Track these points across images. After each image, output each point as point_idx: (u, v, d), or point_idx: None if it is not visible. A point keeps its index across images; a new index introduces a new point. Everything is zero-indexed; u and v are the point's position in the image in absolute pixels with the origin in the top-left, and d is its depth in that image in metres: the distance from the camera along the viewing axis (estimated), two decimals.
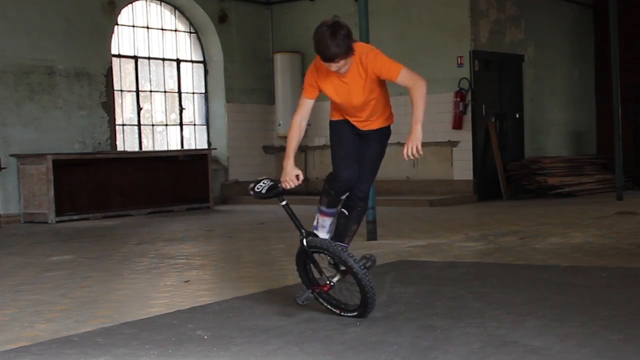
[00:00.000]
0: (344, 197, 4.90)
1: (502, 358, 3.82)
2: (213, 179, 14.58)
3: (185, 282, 6.36)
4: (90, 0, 13.36)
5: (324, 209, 4.93)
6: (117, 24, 14.01)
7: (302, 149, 15.55)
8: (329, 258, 4.83)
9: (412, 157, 4.39)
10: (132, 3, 14.33)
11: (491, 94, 14.60)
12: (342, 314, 4.76)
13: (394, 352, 3.98)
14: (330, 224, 4.97)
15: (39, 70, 12.62)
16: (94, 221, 12.16)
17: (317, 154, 15.64)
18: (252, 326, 4.63)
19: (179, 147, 15.27)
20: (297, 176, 4.67)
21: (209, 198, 14.26)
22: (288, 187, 4.70)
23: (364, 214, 4.98)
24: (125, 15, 14.27)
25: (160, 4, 15.01)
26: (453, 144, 14.31)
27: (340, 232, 4.93)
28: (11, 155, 12.19)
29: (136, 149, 14.43)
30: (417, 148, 4.41)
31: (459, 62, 14.17)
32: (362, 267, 4.57)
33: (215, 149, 15.25)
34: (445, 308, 4.97)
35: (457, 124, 14.10)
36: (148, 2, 14.79)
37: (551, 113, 16.43)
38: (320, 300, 4.85)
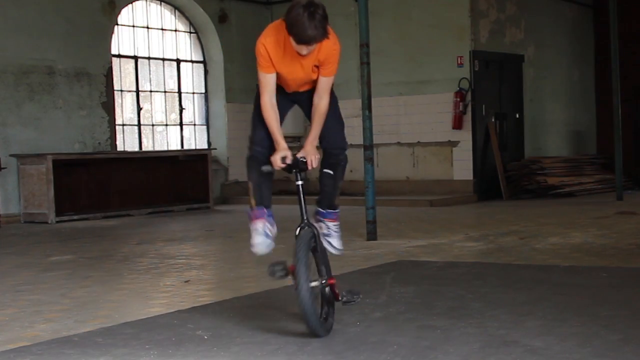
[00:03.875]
0: (266, 169, 4.46)
1: (502, 358, 3.82)
2: (213, 179, 14.58)
3: (185, 282, 6.36)
4: (90, 0, 13.36)
5: (252, 211, 4.50)
6: (117, 24, 14.01)
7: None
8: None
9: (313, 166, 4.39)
10: (132, 3, 14.33)
11: (491, 94, 14.60)
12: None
13: (394, 352, 3.98)
14: (267, 228, 4.49)
15: (39, 70, 12.62)
16: (94, 221, 12.16)
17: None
18: (252, 326, 4.63)
19: (179, 147, 15.27)
20: (284, 157, 4.34)
21: (209, 198, 14.26)
22: (279, 167, 4.38)
23: (345, 167, 4.71)
24: (125, 15, 14.27)
25: (160, 4, 15.01)
26: (453, 144, 14.31)
27: (328, 194, 4.66)
28: (11, 155, 12.19)
29: (136, 149, 14.43)
30: (314, 159, 4.40)
31: (459, 62, 14.17)
32: (309, 289, 4.12)
33: (215, 149, 15.25)
34: (445, 308, 4.97)
35: (457, 124, 14.10)
36: (148, 2, 14.79)
37: (551, 113, 16.44)
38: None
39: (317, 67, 4.43)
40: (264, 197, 4.53)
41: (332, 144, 4.62)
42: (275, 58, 4.36)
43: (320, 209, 4.72)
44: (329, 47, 4.36)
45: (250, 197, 4.55)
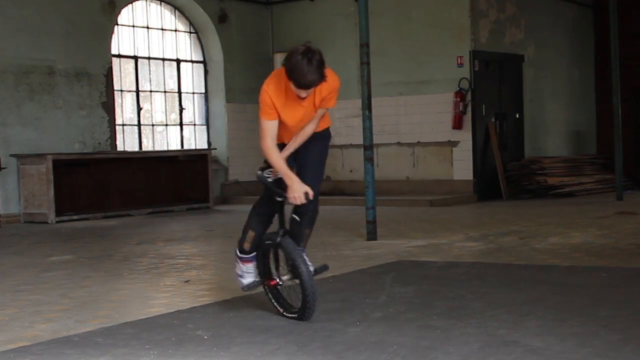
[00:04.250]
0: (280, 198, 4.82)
1: (502, 358, 3.82)
2: (213, 179, 14.58)
3: (185, 282, 6.36)
4: (90, 0, 13.36)
5: (245, 254, 5.01)
6: (117, 24, 14.01)
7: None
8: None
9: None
10: (132, 3, 14.33)
11: (491, 94, 14.60)
12: (285, 313, 4.82)
13: (394, 352, 3.98)
14: (255, 268, 5.00)
15: (39, 70, 12.62)
16: (94, 221, 12.16)
17: None
18: (252, 326, 4.63)
19: (179, 147, 15.27)
20: (306, 193, 4.60)
21: (209, 198, 14.25)
22: (298, 202, 4.64)
23: (315, 218, 4.92)
24: (125, 15, 14.27)
25: (160, 4, 15.01)
26: (453, 144, 14.31)
27: (295, 236, 4.84)
28: (11, 155, 12.19)
29: (136, 149, 14.43)
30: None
31: (459, 62, 14.17)
32: (310, 272, 4.63)
33: (215, 149, 15.25)
34: (445, 308, 4.97)
35: (457, 124, 14.10)
36: (148, 2, 14.79)
37: (551, 113, 16.44)
38: (270, 295, 4.94)
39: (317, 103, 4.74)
40: (256, 245, 4.95)
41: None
42: (278, 103, 4.64)
43: None
44: (329, 86, 4.66)
45: (245, 240, 4.95)
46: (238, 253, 5.02)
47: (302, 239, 4.89)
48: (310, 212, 4.83)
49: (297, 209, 4.80)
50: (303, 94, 4.54)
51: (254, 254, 4.96)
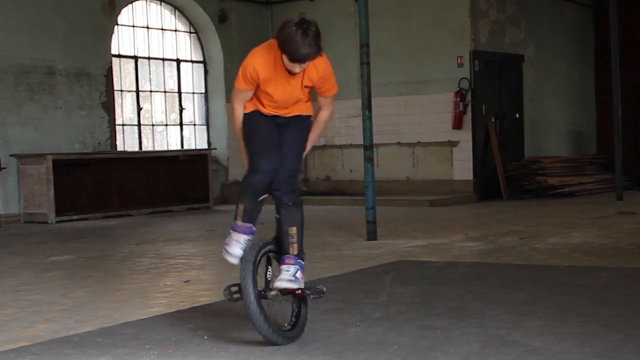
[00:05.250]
0: (262, 198, 4.38)
1: (502, 358, 3.82)
2: (213, 179, 14.58)
3: (185, 282, 6.36)
4: (90, 0, 13.36)
5: (238, 223, 4.35)
6: (117, 24, 14.00)
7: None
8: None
9: None
10: (132, 3, 14.33)
11: (491, 94, 14.60)
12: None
13: (394, 352, 3.98)
14: (246, 241, 4.32)
15: (39, 70, 12.62)
16: (94, 221, 12.15)
17: (317, 153, 15.61)
18: (252, 326, 4.63)
19: (179, 147, 15.27)
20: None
21: (209, 198, 14.25)
22: None
23: (301, 211, 4.39)
24: (125, 15, 14.27)
25: (160, 4, 15.01)
26: (453, 144, 14.31)
27: (280, 238, 4.39)
28: (11, 155, 12.19)
29: (136, 149, 14.43)
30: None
31: (459, 62, 14.17)
32: (253, 295, 4.10)
33: (215, 149, 15.25)
34: (445, 308, 4.97)
35: (457, 124, 14.10)
36: (148, 2, 14.79)
37: (551, 113, 16.44)
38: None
39: (308, 87, 4.36)
40: (253, 219, 4.39)
41: (278, 184, 4.37)
42: (263, 76, 4.26)
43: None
44: (322, 68, 4.31)
45: (237, 214, 4.38)
46: (232, 223, 4.42)
47: (290, 242, 4.34)
48: (291, 203, 4.35)
49: (276, 204, 4.38)
50: (297, 68, 4.16)
51: (251, 225, 4.35)
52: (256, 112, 4.40)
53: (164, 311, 5.18)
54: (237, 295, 4.28)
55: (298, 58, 4.08)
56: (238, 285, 4.27)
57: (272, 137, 4.37)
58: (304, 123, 4.46)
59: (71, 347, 4.29)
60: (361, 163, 8.90)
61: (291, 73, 4.22)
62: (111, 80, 13.65)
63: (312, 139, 4.51)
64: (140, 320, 4.91)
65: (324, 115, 4.50)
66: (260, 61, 4.25)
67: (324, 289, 4.37)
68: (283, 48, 4.08)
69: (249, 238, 4.32)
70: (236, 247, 4.29)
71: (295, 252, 4.34)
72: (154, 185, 13.55)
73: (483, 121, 14.37)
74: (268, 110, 4.40)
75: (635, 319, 4.51)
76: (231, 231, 4.35)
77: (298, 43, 4.03)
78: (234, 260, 4.29)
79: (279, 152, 4.35)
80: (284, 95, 4.33)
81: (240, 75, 4.30)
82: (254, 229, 4.37)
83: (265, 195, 4.39)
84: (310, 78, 4.31)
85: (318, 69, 4.29)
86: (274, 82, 4.28)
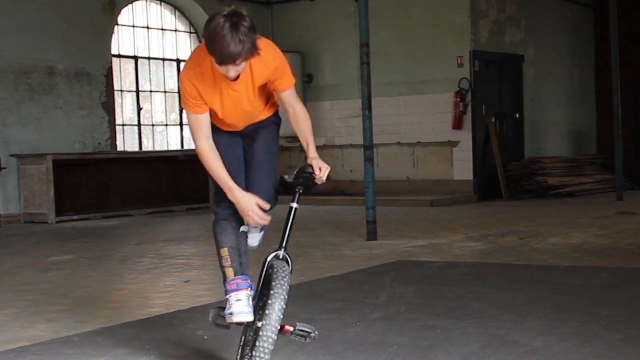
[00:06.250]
0: (242, 229, 3.69)
1: (502, 358, 3.82)
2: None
3: (185, 282, 6.36)
4: (90, 0, 13.35)
5: (229, 280, 3.55)
6: (117, 24, 14.00)
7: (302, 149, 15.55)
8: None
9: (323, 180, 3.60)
10: (132, 3, 14.33)
11: (491, 94, 14.60)
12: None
13: (394, 352, 3.98)
14: (250, 297, 3.54)
15: (39, 70, 12.62)
16: (94, 221, 12.15)
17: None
18: None
19: (179, 147, 15.27)
20: (263, 209, 3.54)
21: (209, 198, 14.24)
22: (261, 223, 3.60)
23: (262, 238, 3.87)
24: (125, 15, 14.27)
25: (160, 4, 15.01)
26: (453, 144, 14.31)
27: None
28: (11, 155, 12.19)
29: (136, 149, 14.43)
30: (323, 168, 3.64)
31: (459, 62, 14.17)
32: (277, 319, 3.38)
33: None
34: (445, 308, 4.97)
35: (457, 124, 14.10)
36: (148, 2, 14.79)
37: (551, 113, 16.44)
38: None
39: (262, 86, 3.59)
40: (243, 264, 3.62)
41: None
42: (204, 91, 3.49)
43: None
44: (271, 57, 3.50)
45: (225, 268, 3.58)
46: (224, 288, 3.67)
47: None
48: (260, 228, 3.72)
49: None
50: (231, 72, 3.34)
51: (246, 277, 3.63)
52: (215, 131, 3.63)
53: (163, 311, 5.18)
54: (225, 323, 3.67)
55: (227, 58, 3.26)
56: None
57: (237, 158, 3.70)
58: (272, 122, 3.78)
59: (71, 347, 4.28)
60: (361, 163, 8.90)
61: (228, 79, 3.45)
62: (111, 80, 13.65)
63: (312, 144, 3.78)
64: (140, 320, 4.91)
65: (298, 111, 3.66)
66: (193, 74, 3.49)
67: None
68: (209, 47, 3.29)
69: (249, 291, 3.54)
70: (239, 305, 3.51)
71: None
72: (154, 185, 13.55)
73: (483, 121, 14.37)
74: (227, 129, 3.69)
75: (635, 319, 4.51)
76: (227, 297, 3.57)
77: (226, 39, 3.22)
78: (244, 319, 3.50)
79: (244, 171, 3.69)
80: (230, 108, 3.56)
81: (184, 98, 3.53)
82: (247, 277, 3.58)
83: (248, 228, 3.72)
84: (261, 75, 3.52)
85: (266, 60, 3.48)
86: (217, 96, 3.52)
